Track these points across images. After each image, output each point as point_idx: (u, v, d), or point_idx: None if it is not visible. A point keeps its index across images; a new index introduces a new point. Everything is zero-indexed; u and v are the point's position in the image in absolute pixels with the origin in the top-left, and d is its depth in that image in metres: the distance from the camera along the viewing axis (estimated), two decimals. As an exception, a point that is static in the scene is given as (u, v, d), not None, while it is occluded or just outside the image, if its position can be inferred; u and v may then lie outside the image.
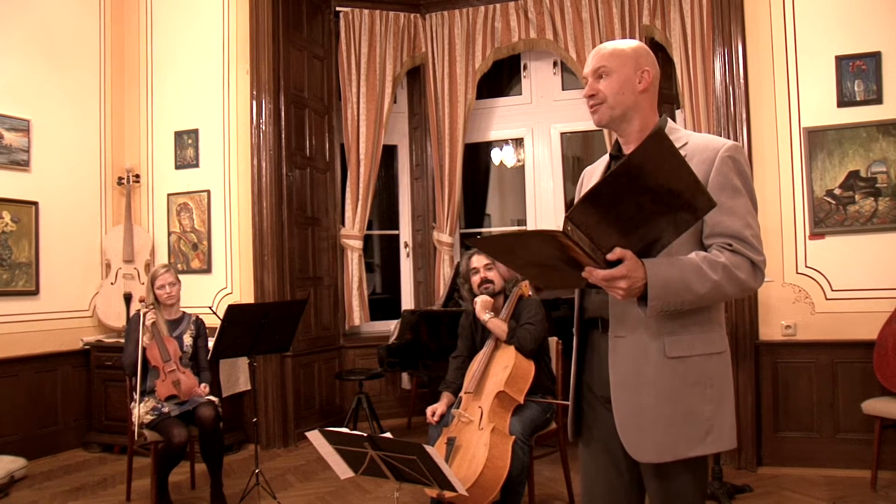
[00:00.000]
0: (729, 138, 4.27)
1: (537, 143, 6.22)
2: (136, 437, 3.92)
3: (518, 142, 6.56)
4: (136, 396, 3.91)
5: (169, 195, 5.82)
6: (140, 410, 3.84)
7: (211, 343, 4.05)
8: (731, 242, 1.72)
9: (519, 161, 6.60)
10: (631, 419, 1.79)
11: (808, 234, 4.43)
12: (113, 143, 5.90)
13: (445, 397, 3.64)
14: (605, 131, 5.41)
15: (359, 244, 6.00)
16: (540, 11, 5.74)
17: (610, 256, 1.55)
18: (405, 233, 6.50)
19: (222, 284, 5.60)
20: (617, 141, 1.96)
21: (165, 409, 3.88)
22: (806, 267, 4.44)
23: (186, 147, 5.76)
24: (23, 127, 5.20)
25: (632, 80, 1.85)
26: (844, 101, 4.36)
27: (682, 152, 1.72)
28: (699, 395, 1.77)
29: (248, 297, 5.41)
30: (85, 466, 4.97)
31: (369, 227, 6.19)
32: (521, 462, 3.25)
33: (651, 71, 1.87)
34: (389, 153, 6.51)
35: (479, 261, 3.75)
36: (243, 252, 5.51)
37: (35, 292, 5.24)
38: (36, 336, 5.21)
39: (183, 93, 5.80)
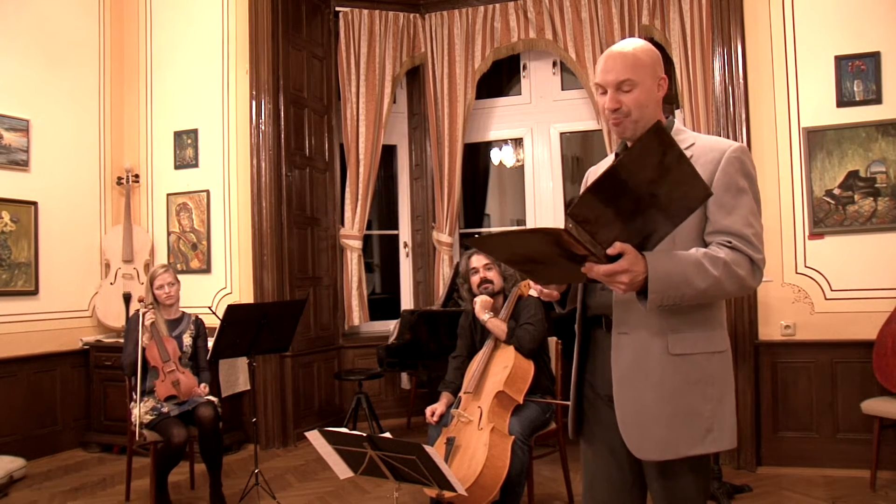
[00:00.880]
0: (728, 138, 4.30)
1: (537, 143, 6.22)
2: (135, 437, 3.91)
3: (517, 142, 6.55)
4: (136, 396, 3.91)
5: (168, 195, 5.81)
6: (139, 410, 3.84)
7: (210, 343, 4.05)
8: (732, 240, 1.73)
9: (518, 161, 6.60)
10: (633, 416, 1.79)
11: (807, 234, 4.43)
12: (112, 143, 5.90)
13: (445, 397, 3.64)
14: (605, 131, 5.42)
15: (358, 244, 5.99)
16: (539, 11, 5.74)
17: (610, 251, 1.55)
18: (404, 233, 6.49)
19: (221, 284, 5.60)
20: (624, 142, 1.95)
21: (165, 409, 3.88)
22: (805, 267, 4.44)
23: (186, 147, 5.76)
24: (22, 127, 5.20)
25: (653, 90, 1.85)
26: (844, 101, 4.36)
27: (689, 153, 1.75)
28: (700, 394, 1.78)
29: (247, 297, 5.41)
30: (84, 466, 4.97)
31: (369, 227, 6.18)
32: (520, 462, 3.25)
33: (665, 77, 1.88)
34: (389, 153, 6.50)
35: (478, 261, 3.75)
36: (243, 252, 5.51)
37: (34, 292, 5.24)
38: (35, 336, 5.21)
39: (182, 93, 5.80)
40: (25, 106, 5.25)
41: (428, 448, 2.47)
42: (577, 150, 6.91)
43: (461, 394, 3.50)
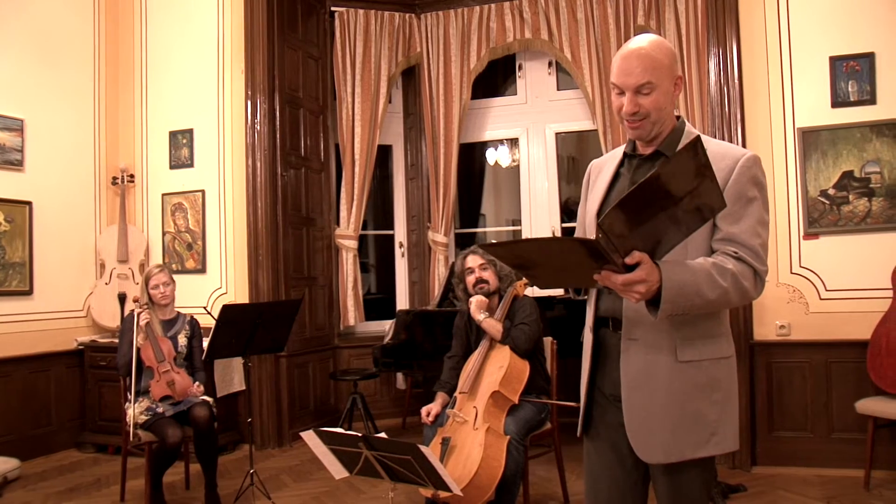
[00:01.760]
0: (723, 139, 4.34)
1: (532, 143, 6.21)
2: (130, 438, 3.89)
3: (513, 142, 6.55)
4: (131, 397, 3.91)
5: (163, 195, 5.80)
6: (134, 411, 3.84)
7: (205, 343, 4.03)
8: (738, 250, 1.73)
9: (514, 161, 6.60)
10: (640, 421, 1.81)
11: (802, 234, 4.44)
12: (107, 143, 5.88)
13: (440, 397, 3.63)
14: (601, 132, 5.42)
15: (353, 244, 5.99)
16: (535, 11, 5.73)
17: (629, 260, 1.53)
18: (400, 233, 6.48)
19: (217, 284, 5.59)
20: (633, 141, 1.95)
21: (160, 410, 3.87)
22: (800, 267, 4.45)
23: (181, 147, 5.75)
24: (16, 126, 5.18)
25: (671, 90, 1.84)
26: (838, 101, 4.37)
27: None
28: (706, 399, 1.80)
29: (242, 297, 5.40)
30: (79, 467, 4.95)
31: (364, 227, 6.18)
32: (515, 462, 3.25)
33: (681, 75, 1.88)
34: (384, 153, 6.49)
35: (474, 261, 3.74)
36: (238, 252, 5.50)
37: (29, 292, 5.22)
38: (30, 336, 5.19)
39: (177, 92, 5.79)
40: (20, 105, 5.23)
41: (423, 448, 2.46)
42: (572, 150, 6.91)
43: (456, 394, 3.49)
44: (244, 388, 5.04)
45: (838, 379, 4.34)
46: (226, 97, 5.60)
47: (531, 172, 6.20)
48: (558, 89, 6.18)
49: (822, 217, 4.40)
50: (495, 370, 3.41)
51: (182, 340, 4.16)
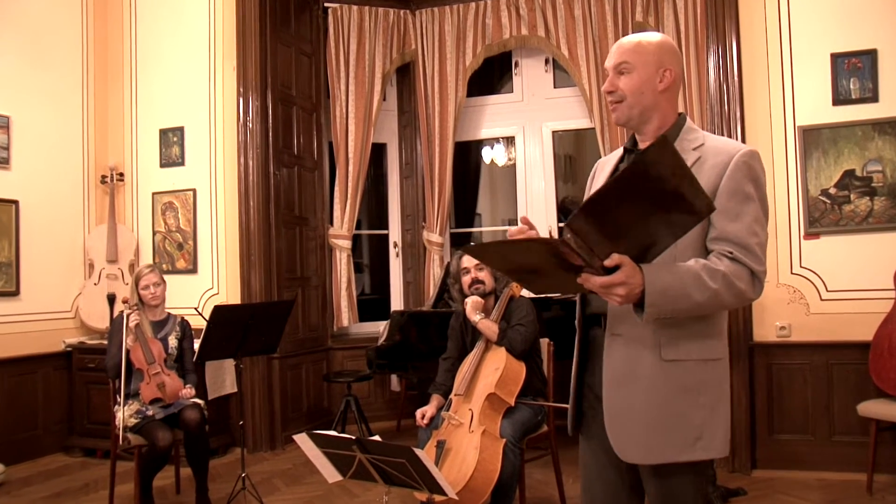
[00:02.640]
0: (722, 136, 4.28)
1: (528, 141, 6.17)
2: (119, 441, 3.87)
3: (509, 140, 6.52)
4: (120, 399, 3.88)
5: (154, 194, 5.74)
6: (124, 413, 3.82)
7: (196, 344, 4.02)
8: (733, 250, 1.70)
9: (510, 160, 6.58)
10: (619, 418, 1.79)
11: (802, 233, 4.41)
12: (96, 141, 5.81)
13: (435, 399, 3.62)
14: (598, 130, 5.38)
15: (347, 244, 5.95)
16: (531, 8, 5.70)
17: (607, 263, 1.53)
18: (394, 232, 6.45)
19: (208, 285, 5.54)
20: (633, 135, 1.94)
21: (150, 412, 3.84)
22: (801, 267, 4.42)
23: (172, 145, 5.69)
24: (3, 124, 5.11)
25: (653, 79, 1.82)
26: (840, 99, 4.34)
27: (697, 154, 1.76)
28: (691, 401, 1.76)
29: (234, 298, 5.36)
30: (66, 472, 4.90)
31: (358, 227, 6.15)
32: (511, 465, 3.23)
33: (674, 70, 1.85)
34: (378, 151, 6.45)
35: (469, 261, 3.73)
36: (230, 252, 5.45)
37: (15, 293, 5.15)
38: (16, 338, 5.11)
39: (168, 89, 5.73)
40: (6, 102, 5.15)
41: (418, 451, 2.44)
42: (569, 148, 6.90)
43: (452, 396, 3.48)
44: (236, 390, 5.02)
45: (840, 381, 4.30)
46: (217, 94, 5.55)
47: (528, 171, 6.16)
48: (555, 87, 6.13)
49: (823, 216, 4.36)
50: (491, 372, 3.39)
51: (172, 342, 4.13)
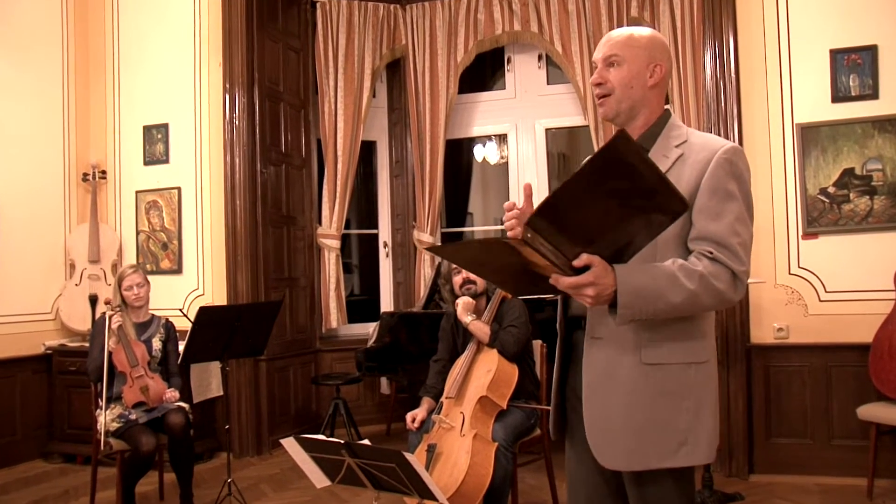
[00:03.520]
0: (720, 135, 4.26)
1: (521, 139, 6.12)
2: (101, 447, 3.87)
3: (501, 138, 6.50)
4: (102, 403, 3.84)
5: (137, 192, 5.66)
6: (106, 418, 3.78)
7: (181, 347, 3.97)
8: (712, 250, 1.67)
9: (502, 158, 6.57)
10: (600, 423, 1.77)
11: (801, 233, 4.37)
12: (78, 138, 5.72)
13: (426, 402, 3.61)
14: (592, 128, 5.32)
15: (336, 244, 5.88)
16: (524, 3, 5.64)
17: (576, 263, 1.51)
18: (384, 232, 6.40)
19: (193, 285, 5.48)
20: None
21: (133, 417, 3.82)
22: (799, 268, 4.38)
23: (156, 142, 5.61)
24: (-19, 119, 5.01)
25: (643, 74, 1.81)
26: (839, 96, 4.30)
27: (680, 150, 1.75)
28: (674, 405, 1.74)
29: (220, 299, 5.31)
30: (45, 478, 4.82)
31: (347, 227, 6.10)
32: (504, 469, 3.23)
33: (664, 66, 1.83)
34: (368, 149, 6.40)
35: (461, 261, 3.65)
36: (215, 252, 5.39)
37: (-7, 294, 5.07)
38: (-6, 340, 5.03)
39: (152, 85, 5.64)
40: (-16, 98, 5.07)
41: (408, 455, 2.42)
42: (562, 146, 6.88)
43: (443, 399, 3.46)
44: (222, 393, 4.94)
45: (839, 384, 4.27)
46: (203, 90, 5.48)
47: (520, 169, 6.11)
48: (548, 83, 6.08)
49: (821, 216, 4.32)
50: (483, 374, 3.38)
51: (156, 344, 4.11)
